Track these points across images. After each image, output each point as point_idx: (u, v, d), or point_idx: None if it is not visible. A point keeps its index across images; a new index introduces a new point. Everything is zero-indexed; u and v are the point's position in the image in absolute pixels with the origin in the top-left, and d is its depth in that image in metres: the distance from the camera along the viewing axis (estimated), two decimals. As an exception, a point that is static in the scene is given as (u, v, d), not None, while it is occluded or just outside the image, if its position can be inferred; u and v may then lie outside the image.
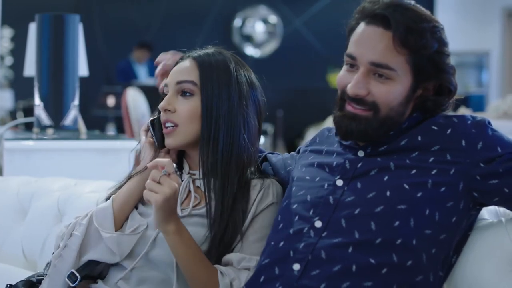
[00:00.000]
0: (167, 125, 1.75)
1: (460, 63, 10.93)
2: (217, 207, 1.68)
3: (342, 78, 1.62)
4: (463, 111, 6.85)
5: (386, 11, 1.54)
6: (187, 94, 1.73)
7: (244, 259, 1.65)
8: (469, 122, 1.58)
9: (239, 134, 1.72)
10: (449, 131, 1.57)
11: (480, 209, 1.59)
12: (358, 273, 1.48)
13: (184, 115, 1.72)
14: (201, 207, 1.73)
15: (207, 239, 1.68)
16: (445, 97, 1.61)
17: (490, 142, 1.55)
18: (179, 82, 1.74)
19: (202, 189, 1.71)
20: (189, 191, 1.75)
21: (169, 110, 1.74)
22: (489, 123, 1.58)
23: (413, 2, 1.59)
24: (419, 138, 1.59)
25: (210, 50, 1.79)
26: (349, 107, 1.59)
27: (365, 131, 1.58)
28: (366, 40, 1.57)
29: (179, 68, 1.77)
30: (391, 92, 1.56)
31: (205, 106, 1.71)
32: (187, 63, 1.77)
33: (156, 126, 1.79)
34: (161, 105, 1.75)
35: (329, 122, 5.88)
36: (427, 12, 1.58)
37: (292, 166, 1.81)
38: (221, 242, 1.66)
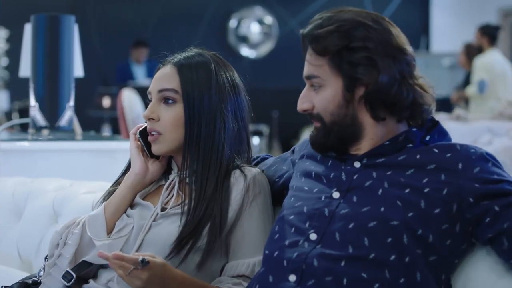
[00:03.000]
0: (152, 133, 1.77)
1: (456, 63, 10.93)
2: (191, 203, 1.70)
3: None
4: (459, 111, 6.86)
5: (307, 27, 1.65)
6: (170, 101, 1.75)
7: (232, 267, 1.68)
8: (471, 150, 1.57)
9: (219, 138, 1.74)
10: (448, 154, 1.57)
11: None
12: (350, 285, 1.48)
13: (168, 123, 1.74)
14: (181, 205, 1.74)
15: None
16: (385, 89, 1.58)
17: (488, 169, 1.54)
18: (160, 91, 1.76)
19: (193, 186, 1.72)
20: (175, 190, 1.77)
21: (153, 119, 1.76)
22: (490, 155, 1.57)
23: (348, 8, 1.64)
24: (418, 156, 1.59)
25: (190, 52, 1.80)
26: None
27: (319, 141, 1.65)
28: (306, 58, 1.66)
29: (160, 75, 1.78)
30: (324, 98, 1.62)
31: (188, 113, 1.73)
32: (168, 69, 1.78)
33: (145, 135, 1.81)
34: (145, 114, 1.77)
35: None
36: (346, 13, 1.62)
37: (288, 171, 1.81)
38: (193, 232, 1.67)
